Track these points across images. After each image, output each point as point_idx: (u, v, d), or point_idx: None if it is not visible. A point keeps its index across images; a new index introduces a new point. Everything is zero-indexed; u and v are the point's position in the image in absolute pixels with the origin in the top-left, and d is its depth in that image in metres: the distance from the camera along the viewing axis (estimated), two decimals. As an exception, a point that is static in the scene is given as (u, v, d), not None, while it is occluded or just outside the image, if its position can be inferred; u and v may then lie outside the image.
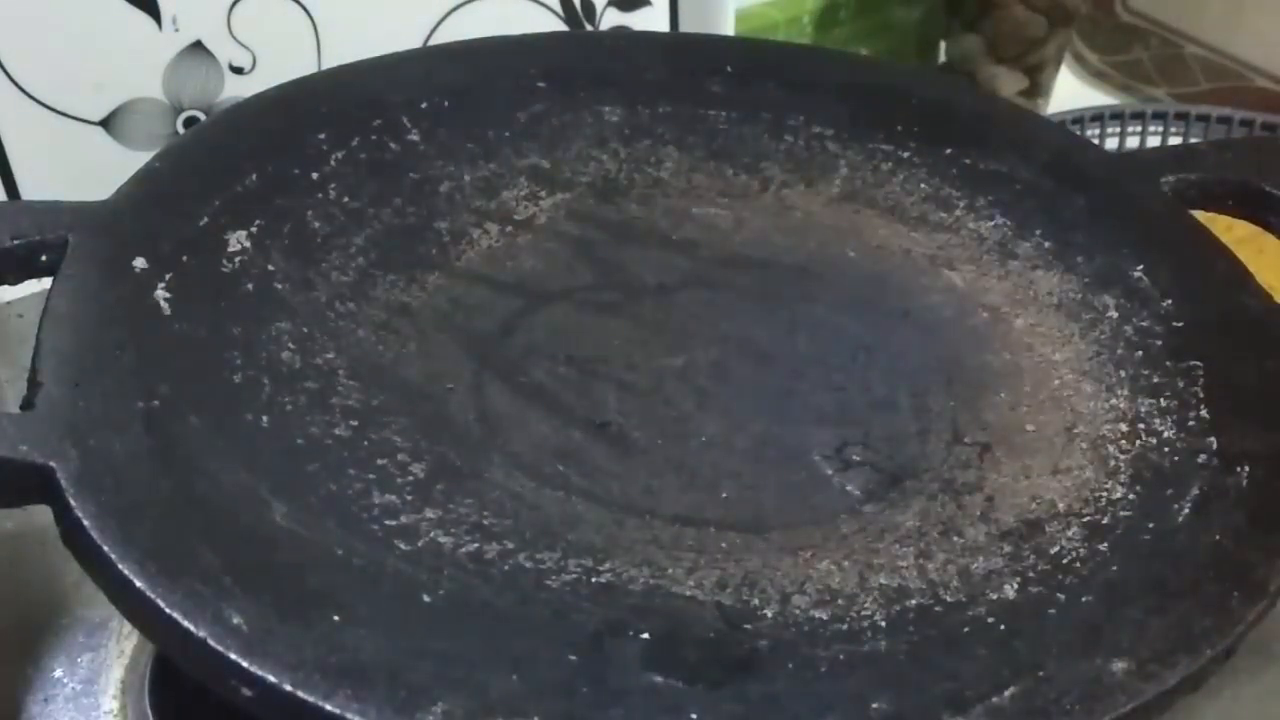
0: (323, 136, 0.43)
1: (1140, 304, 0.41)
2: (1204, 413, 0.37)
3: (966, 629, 0.31)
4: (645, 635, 0.31)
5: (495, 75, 0.47)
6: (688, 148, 0.47)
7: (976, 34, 0.73)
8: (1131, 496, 0.35)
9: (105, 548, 0.29)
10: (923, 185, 0.46)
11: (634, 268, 0.43)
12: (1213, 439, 0.37)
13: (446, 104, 0.46)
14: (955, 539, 0.34)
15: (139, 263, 0.37)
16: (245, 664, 0.28)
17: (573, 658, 0.30)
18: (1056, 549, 0.34)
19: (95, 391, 0.33)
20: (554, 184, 0.45)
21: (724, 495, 0.36)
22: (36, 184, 0.53)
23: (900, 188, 0.46)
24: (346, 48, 0.50)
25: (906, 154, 0.47)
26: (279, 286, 0.38)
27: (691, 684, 0.30)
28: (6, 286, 0.38)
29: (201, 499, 0.32)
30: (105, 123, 0.54)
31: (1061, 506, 0.35)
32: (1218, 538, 0.34)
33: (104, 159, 0.54)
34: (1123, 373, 0.39)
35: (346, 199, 0.42)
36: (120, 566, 0.29)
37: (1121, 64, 0.78)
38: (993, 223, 0.45)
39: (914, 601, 0.32)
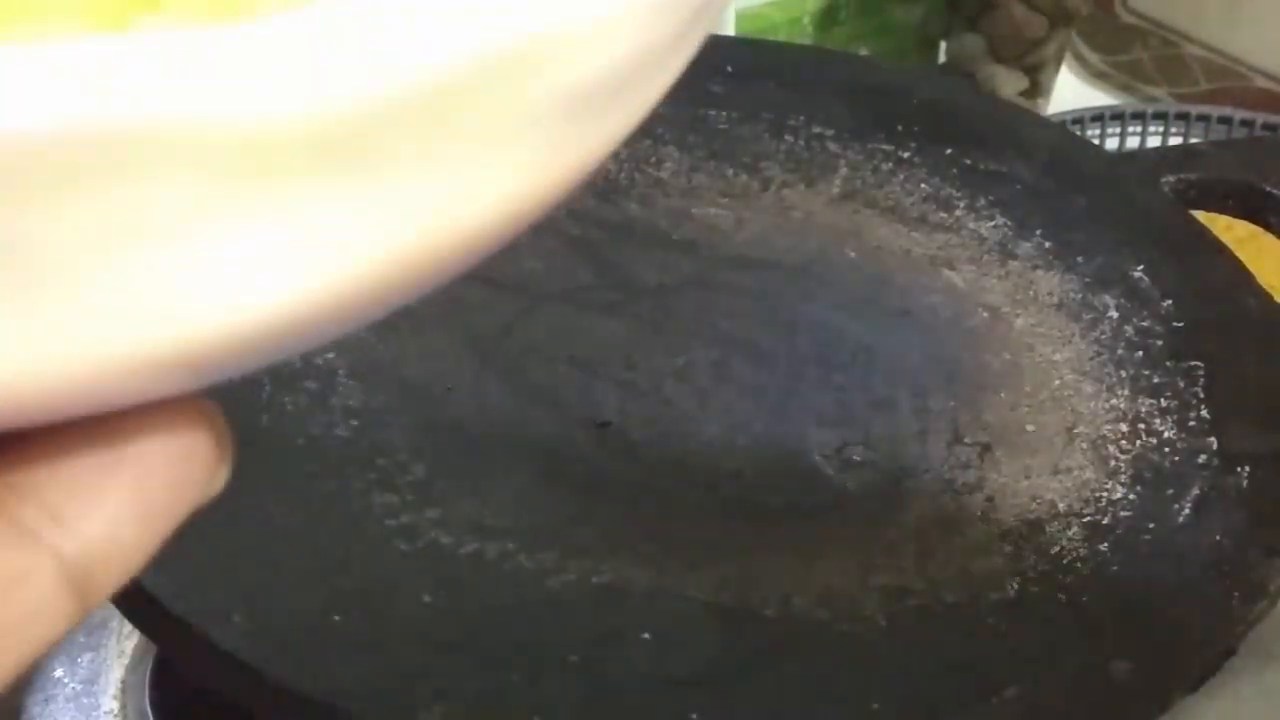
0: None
1: (1140, 304, 0.41)
2: (1204, 413, 0.37)
3: (966, 629, 0.31)
4: (645, 635, 0.31)
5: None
6: (688, 148, 0.47)
7: (976, 34, 0.73)
8: (1131, 496, 0.35)
9: (105, 548, 0.29)
10: (923, 185, 0.46)
11: (634, 268, 0.43)
12: (1213, 439, 0.37)
13: (447, 104, 0.45)
14: (955, 539, 0.34)
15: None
16: (246, 664, 0.28)
17: (573, 658, 0.30)
18: (1056, 549, 0.34)
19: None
20: (554, 184, 0.45)
21: (724, 495, 0.36)
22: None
23: (900, 188, 0.46)
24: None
25: (906, 154, 0.47)
26: (279, 286, 0.38)
27: (691, 684, 0.30)
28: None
29: (202, 499, 0.32)
30: (105, 123, 0.54)
31: (1061, 506, 0.35)
32: (1218, 538, 0.34)
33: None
34: (1123, 373, 0.39)
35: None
36: (120, 566, 0.29)
37: (1121, 64, 0.78)
38: (993, 223, 0.45)
39: (914, 601, 0.32)
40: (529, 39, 0.13)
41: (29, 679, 0.40)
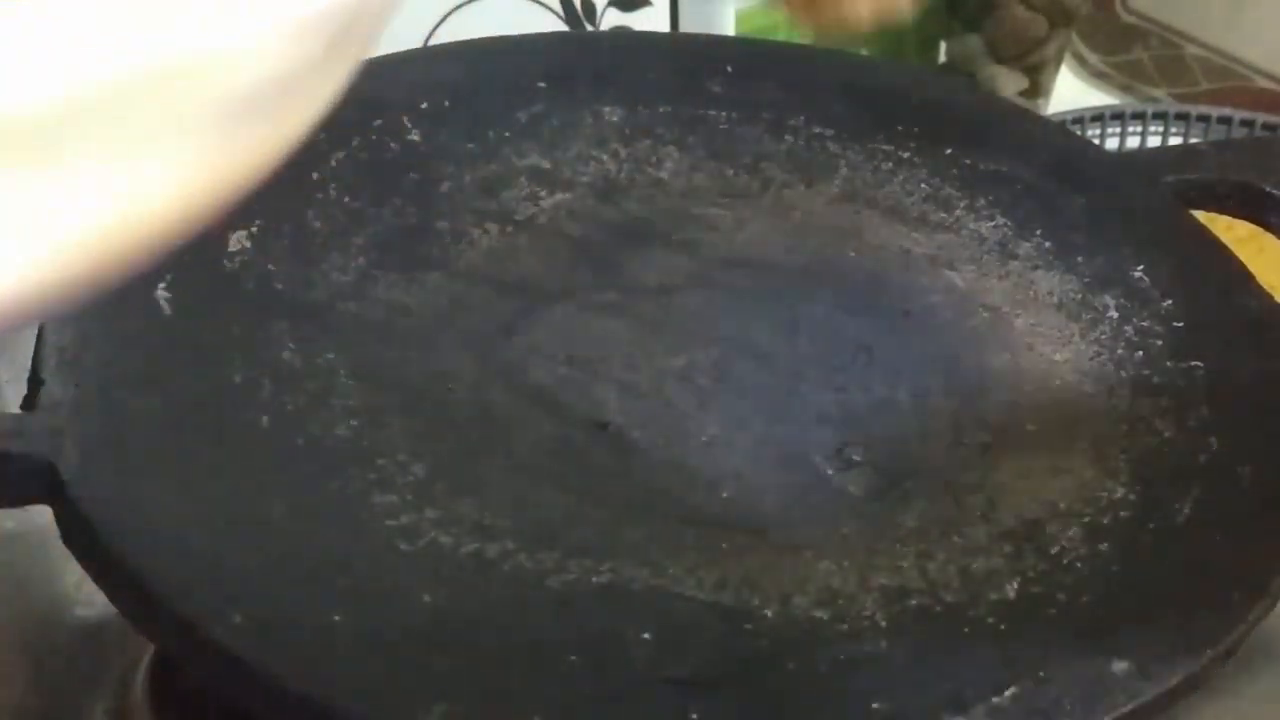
0: (323, 136, 0.43)
1: (1140, 304, 0.41)
2: (1204, 413, 0.37)
3: (966, 629, 0.31)
4: (646, 635, 0.31)
5: (495, 75, 0.47)
6: (688, 148, 0.47)
7: (976, 34, 0.73)
8: (1131, 496, 0.35)
9: (106, 547, 0.29)
10: (923, 185, 0.46)
11: (634, 268, 0.43)
12: (1213, 439, 0.37)
13: (446, 104, 0.45)
14: (955, 539, 0.34)
15: (139, 263, 0.37)
16: (246, 664, 0.28)
17: (573, 658, 0.30)
18: (1056, 549, 0.34)
19: (96, 391, 0.33)
20: (554, 184, 0.45)
21: (724, 495, 0.36)
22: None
23: (900, 188, 0.46)
24: (346, 48, 0.50)
25: (906, 154, 0.47)
26: (279, 286, 0.38)
27: (691, 684, 0.30)
28: (7, 286, 0.38)
29: (202, 499, 0.32)
30: (105, 123, 0.54)
31: (1061, 506, 0.35)
32: (1218, 538, 0.34)
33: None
34: (1123, 373, 0.39)
35: (346, 199, 0.42)
36: (121, 566, 0.29)
37: (1121, 64, 0.78)
38: (993, 223, 0.45)
39: (914, 601, 0.32)
40: (182, 56, 0.15)
41: (29, 679, 0.40)
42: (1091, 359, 0.40)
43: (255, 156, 0.18)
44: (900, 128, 0.47)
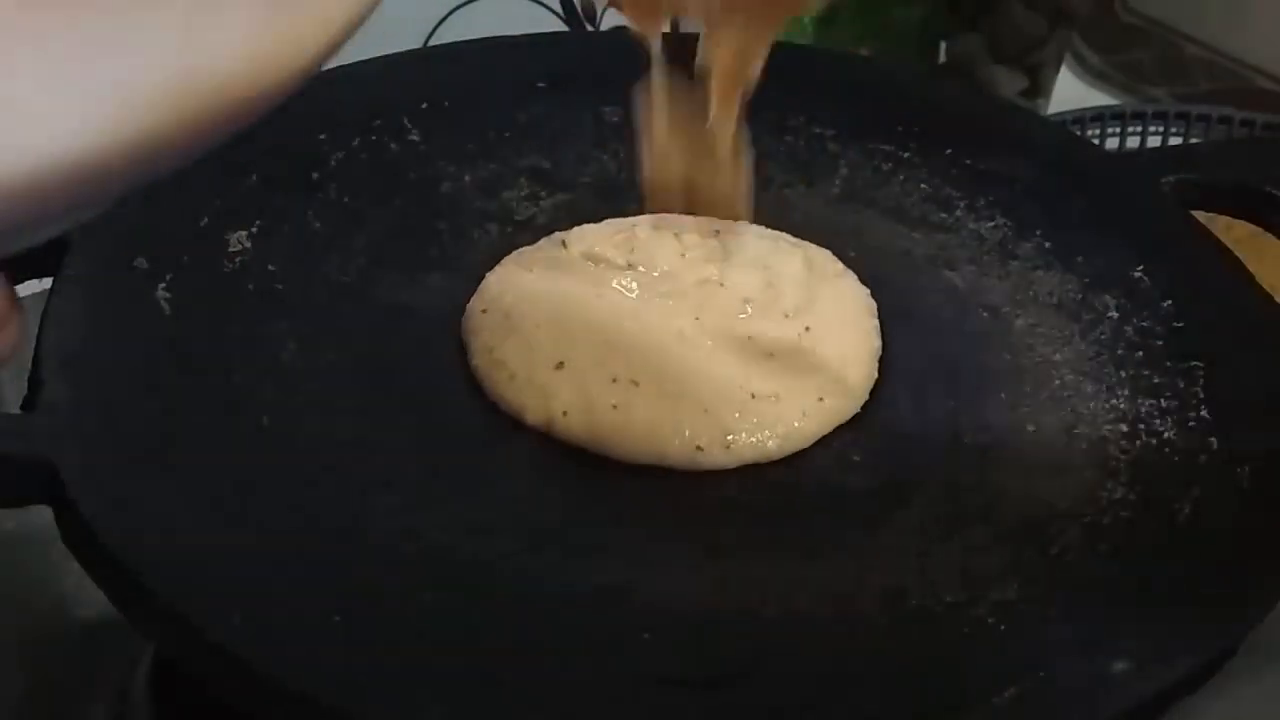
0: (323, 136, 0.43)
1: (1140, 304, 0.41)
2: (1204, 413, 0.37)
3: (966, 629, 0.31)
4: (646, 635, 0.31)
5: (495, 75, 0.47)
6: (688, 148, 0.47)
7: (976, 34, 0.73)
8: (1131, 496, 0.35)
9: (106, 547, 0.29)
10: (923, 185, 0.46)
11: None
12: (1213, 439, 0.37)
13: (446, 104, 0.46)
14: (955, 539, 0.34)
15: (139, 263, 0.37)
16: (246, 664, 0.28)
17: (573, 658, 0.30)
18: (1056, 549, 0.34)
19: (96, 391, 0.33)
20: (554, 184, 0.45)
21: (724, 495, 0.36)
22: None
23: (900, 188, 0.46)
24: (346, 48, 0.50)
25: (906, 154, 0.47)
26: (279, 286, 0.39)
27: (691, 684, 0.30)
28: (6, 286, 0.38)
29: (202, 499, 0.32)
30: (105, 123, 0.54)
31: (1061, 506, 0.35)
32: (1218, 538, 0.34)
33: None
34: (1123, 373, 0.39)
35: (346, 199, 0.42)
36: (121, 566, 0.29)
37: (1121, 64, 0.78)
38: (993, 223, 0.45)
39: (914, 601, 0.32)
40: None
41: (30, 679, 0.40)
42: (1091, 359, 0.40)
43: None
44: (900, 128, 0.47)
